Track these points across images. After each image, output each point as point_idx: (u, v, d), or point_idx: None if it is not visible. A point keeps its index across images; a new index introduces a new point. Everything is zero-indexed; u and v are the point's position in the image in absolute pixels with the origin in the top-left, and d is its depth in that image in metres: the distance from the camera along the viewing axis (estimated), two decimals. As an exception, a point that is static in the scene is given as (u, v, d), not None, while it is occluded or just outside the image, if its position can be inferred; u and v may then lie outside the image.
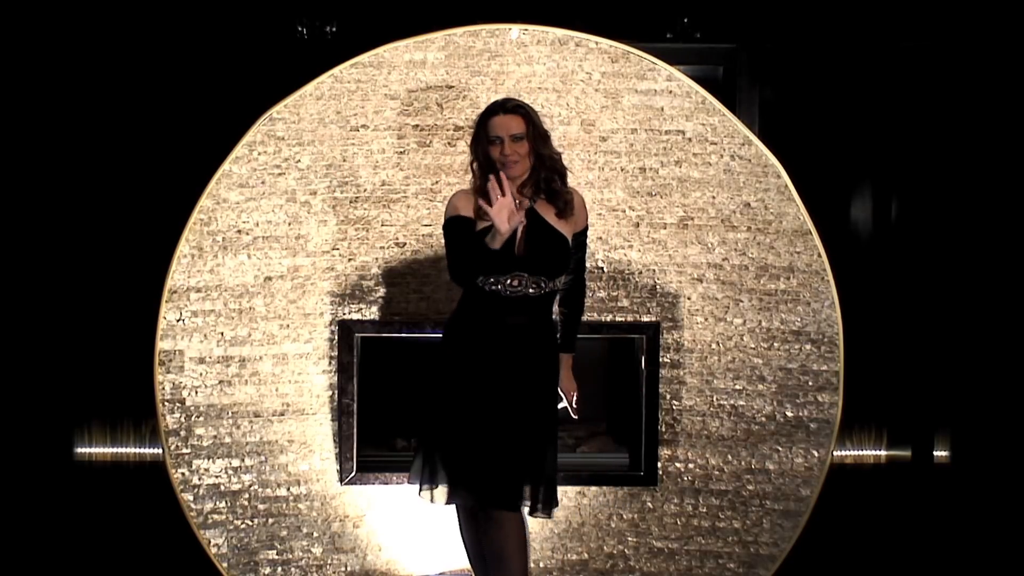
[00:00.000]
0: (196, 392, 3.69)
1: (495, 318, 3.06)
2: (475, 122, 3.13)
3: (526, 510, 3.08)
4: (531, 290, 3.05)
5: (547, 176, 3.10)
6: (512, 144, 3.03)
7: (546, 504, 3.10)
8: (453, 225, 3.07)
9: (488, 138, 3.06)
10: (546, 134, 3.12)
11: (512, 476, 3.03)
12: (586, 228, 3.20)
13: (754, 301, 3.77)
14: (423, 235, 3.75)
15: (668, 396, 3.78)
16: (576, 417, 3.38)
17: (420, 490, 3.15)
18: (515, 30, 3.78)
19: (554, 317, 3.20)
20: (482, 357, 3.07)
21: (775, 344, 3.77)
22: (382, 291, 3.76)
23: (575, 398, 3.33)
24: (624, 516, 3.79)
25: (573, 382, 3.33)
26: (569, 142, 3.74)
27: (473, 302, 3.10)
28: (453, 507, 3.20)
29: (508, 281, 3.04)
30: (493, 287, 3.04)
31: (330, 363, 3.75)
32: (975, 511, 4.54)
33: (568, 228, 3.13)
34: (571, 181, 3.26)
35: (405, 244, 3.76)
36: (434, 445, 3.11)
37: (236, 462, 3.71)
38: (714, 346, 3.77)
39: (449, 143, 3.75)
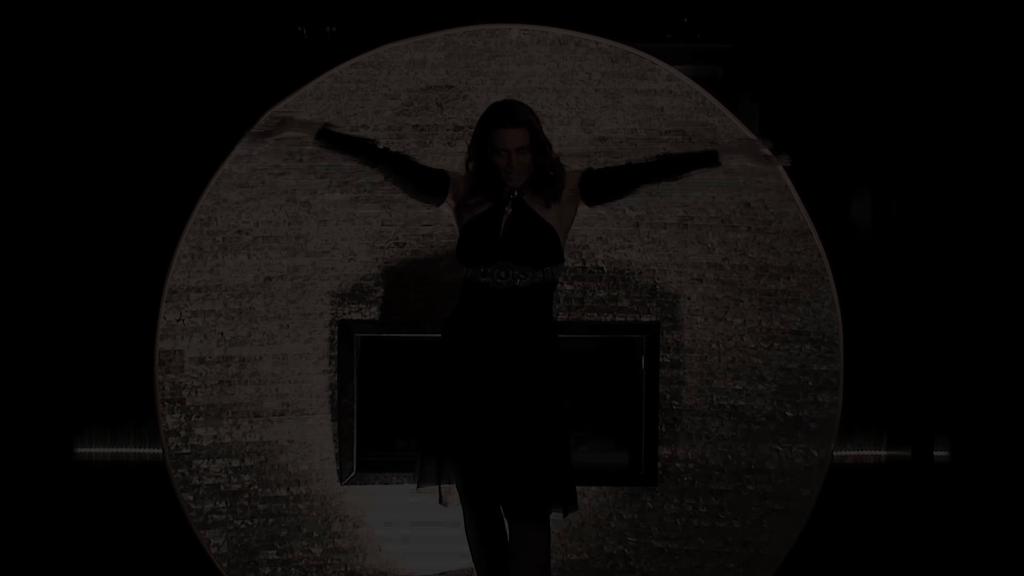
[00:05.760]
0: (196, 392, 3.69)
1: (492, 313, 3.05)
2: (478, 123, 3.11)
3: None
4: (518, 280, 3.04)
5: (542, 168, 3.10)
6: (518, 156, 3.05)
7: (570, 505, 3.09)
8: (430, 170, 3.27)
9: (493, 148, 3.06)
10: (547, 143, 3.12)
11: (541, 486, 3.02)
12: (588, 168, 3.20)
13: (754, 301, 3.77)
14: (423, 235, 3.75)
15: (668, 396, 3.77)
16: (788, 163, 3.30)
17: (420, 486, 3.16)
18: (515, 30, 3.77)
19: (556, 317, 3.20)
20: (482, 354, 3.06)
21: (775, 344, 3.76)
22: (382, 291, 3.76)
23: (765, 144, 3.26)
24: (624, 516, 3.79)
25: (754, 151, 3.25)
26: (569, 142, 3.74)
27: (470, 298, 3.10)
28: (450, 507, 3.19)
29: (495, 271, 3.04)
30: (483, 279, 3.05)
31: (330, 363, 3.75)
32: (975, 511, 4.53)
33: (556, 214, 3.10)
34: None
35: (405, 244, 3.76)
36: (442, 446, 3.11)
37: (236, 462, 3.71)
38: (714, 346, 3.77)
39: (449, 143, 3.74)
